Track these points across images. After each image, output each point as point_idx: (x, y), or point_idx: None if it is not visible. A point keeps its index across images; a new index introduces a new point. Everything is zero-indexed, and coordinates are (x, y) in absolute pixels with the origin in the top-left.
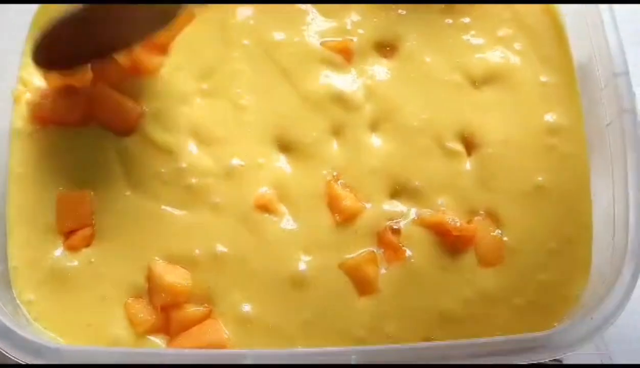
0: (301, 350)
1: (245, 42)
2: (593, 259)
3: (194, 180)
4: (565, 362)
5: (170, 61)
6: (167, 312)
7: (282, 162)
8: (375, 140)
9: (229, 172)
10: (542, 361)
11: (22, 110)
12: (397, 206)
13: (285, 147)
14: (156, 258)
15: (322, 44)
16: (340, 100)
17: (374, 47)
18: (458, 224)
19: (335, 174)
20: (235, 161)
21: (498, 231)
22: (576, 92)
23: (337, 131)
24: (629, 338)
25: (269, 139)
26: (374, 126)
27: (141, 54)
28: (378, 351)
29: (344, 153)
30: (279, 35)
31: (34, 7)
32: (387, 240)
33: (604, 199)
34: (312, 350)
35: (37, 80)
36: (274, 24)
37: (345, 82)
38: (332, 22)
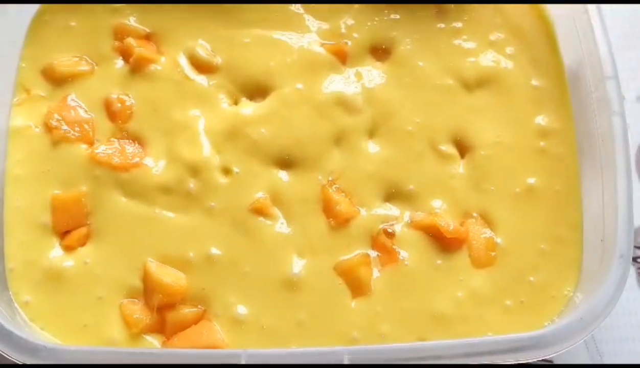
0: (295, 350)
1: None
2: (583, 260)
3: (190, 185)
4: (556, 362)
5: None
6: (162, 312)
7: (278, 168)
8: (371, 146)
9: (225, 177)
10: (531, 361)
11: (22, 114)
12: (391, 209)
13: (284, 158)
14: (150, 259)
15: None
16: (341, 103)
17: (369, 50)
18: (451, 227)
19: (330, 178)
20: (232, 167)
21: (490, 232)
22: (567, 96)
23: (339, 138)
24: (619, 338)
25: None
26: (372, 132)
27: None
28: (371, 350)
29: (340, 158)
30: None
31: (32, 11)
32: (381, 243)
33: (593, 200)
34: (306, 350)
35: (36, 85)
36: None
37: (344, 84)
38: (326, 25)
